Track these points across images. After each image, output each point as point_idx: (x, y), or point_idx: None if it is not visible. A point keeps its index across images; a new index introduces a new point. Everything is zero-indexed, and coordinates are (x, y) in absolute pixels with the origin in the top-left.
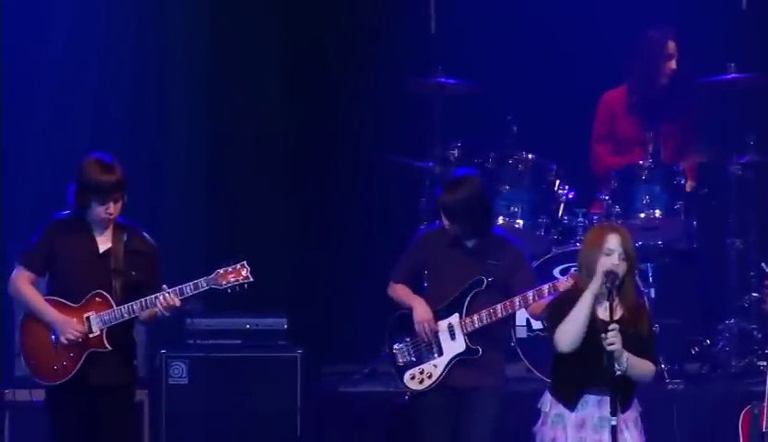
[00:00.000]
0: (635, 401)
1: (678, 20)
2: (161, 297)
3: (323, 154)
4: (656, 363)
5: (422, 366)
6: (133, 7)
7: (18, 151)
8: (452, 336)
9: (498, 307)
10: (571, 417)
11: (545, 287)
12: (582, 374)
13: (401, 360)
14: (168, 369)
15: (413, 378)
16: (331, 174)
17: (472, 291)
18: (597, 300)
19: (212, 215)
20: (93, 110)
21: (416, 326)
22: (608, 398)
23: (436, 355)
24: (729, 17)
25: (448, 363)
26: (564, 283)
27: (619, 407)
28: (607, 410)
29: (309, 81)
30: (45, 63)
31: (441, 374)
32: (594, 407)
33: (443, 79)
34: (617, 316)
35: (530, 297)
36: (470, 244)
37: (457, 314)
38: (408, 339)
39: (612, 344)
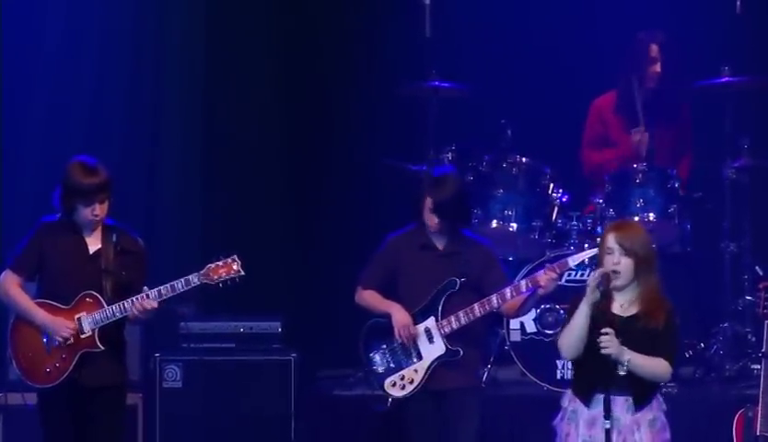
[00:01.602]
0: (659, 401)
1: (672, 24)
2: (137, 302)
3: (318, 157)
4: (670, 359)
5: (402, 372)
6: (129, 8)
7: (15, 154)
8: (430, 339)
9: (476, 306)
10: (584, 414)
11: (522, 283)
12: (595, 372)
13: (379, 368)
14: (162, 373)
15: (393, 384)
16: (325, 177)
17: (446, 293)
18: (611, 296)
19: (207, 217)
20: (89, 111)
21: (396, 331)
22: (620, 397)
23: (415, 360)
24: (723, 21)
25: (429, 366)
26: (542, 277)
27: (632, 406)
28: (619, 409)
29: (304, 84)
30: (41, 64)
31: (423, 378)
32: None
33: (437, 83)
34: (634, 311)
35: (508, 294)
36: (440, 246)
37: (432, 317)
38: (384, 346)
39: (606, 349)
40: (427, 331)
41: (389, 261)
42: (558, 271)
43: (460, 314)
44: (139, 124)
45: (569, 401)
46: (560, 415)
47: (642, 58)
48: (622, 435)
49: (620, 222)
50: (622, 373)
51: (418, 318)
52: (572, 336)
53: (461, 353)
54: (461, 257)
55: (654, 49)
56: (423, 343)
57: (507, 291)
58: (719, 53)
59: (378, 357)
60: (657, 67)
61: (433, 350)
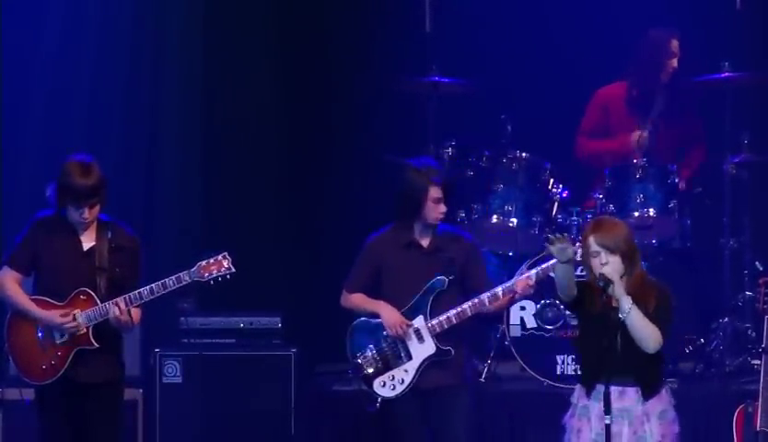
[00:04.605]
0: (669, 394)
1: (672, 19)
2: (115, 309)
3: (317, 152)
4: (663, 331)
5: (391, 373)
6: (127, 7)
7: (14, 153)
8: (420, 339)
9: (467, 306)
10: (595, 409)
11: (499, 290)
12: (598, 363)
13: (368, 369)
14: (162, 368)
15: (383, 385)
16: (324, 173)
17: (434, 291)
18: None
19: (206, 214)
20: (88, 111)
21: (389, 330)
22: (627, 389)
23: (405, 360)
24: (724, 17)
25: (419, 366)
26: (518, 284)
27: (641, 397)
28: (626, 402)
29: (304, 80)
30: (40, 64)
31: (413, 378)
32: (614, 399)
33: (437, 78)
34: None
35: (500, 293)
36: (425, 243)
37: (421, 316)
38: (371, 346)
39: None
40: (416, 331)
41: (372, 261)
42: (534, 279)
43: (452, 314)
44: (138, 123)
45: (579, 397)
46: (570, 412)
47: (662, 52)
48: (633, 426)
49: (597, 222)
50: (622, 317)
51: (406, 317)
52: (559, 286)
53: (453, 352)
54: (445, 253)
55: (675, 44)
56: (412, 342)
57: (499, 290)
58: (719, 49)
59: (365, 358)
60: (675, 62)
61: (423, 349)
